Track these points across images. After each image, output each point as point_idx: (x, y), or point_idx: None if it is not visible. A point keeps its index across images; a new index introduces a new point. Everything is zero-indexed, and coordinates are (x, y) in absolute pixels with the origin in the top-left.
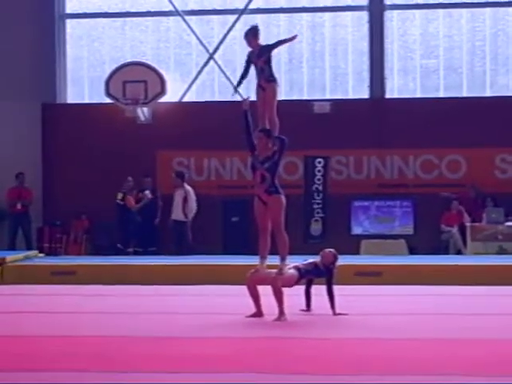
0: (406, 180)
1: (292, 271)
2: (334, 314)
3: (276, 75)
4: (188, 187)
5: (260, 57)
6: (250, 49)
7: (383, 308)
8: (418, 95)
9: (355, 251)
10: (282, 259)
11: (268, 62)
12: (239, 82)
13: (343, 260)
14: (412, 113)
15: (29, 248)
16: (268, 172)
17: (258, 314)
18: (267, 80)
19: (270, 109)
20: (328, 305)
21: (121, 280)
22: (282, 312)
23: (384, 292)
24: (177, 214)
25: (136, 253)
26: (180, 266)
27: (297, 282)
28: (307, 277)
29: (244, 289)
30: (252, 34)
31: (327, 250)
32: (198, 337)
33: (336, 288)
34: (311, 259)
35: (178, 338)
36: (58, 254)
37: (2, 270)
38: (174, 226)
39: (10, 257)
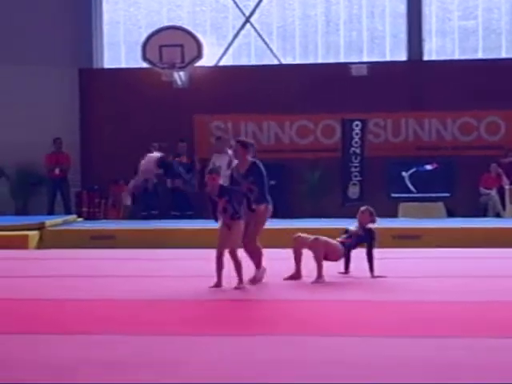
0: (444, 142)
1: (338, 244)
2: (373, 276)
3: (312, 39)
4: (231, 152)
5: (221, 197)
6: None
7: (421, 271)
8: (457, 57)
9: (393, 214)
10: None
11: (230, 201)
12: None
13: (381, 223)
14: (450, 75)
15: (67, 213)
16: (255, 184)
17: (297, 275)
18: (232, 218)
19: (232, 243)
20: (367, 267)
21: (160, 244)
22: (320, 275)
23: (422, 255)
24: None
25: (174, 216)
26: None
27: (342, 257)
28: (352, 249)
29: (281, 252)
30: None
31: (362, 208)
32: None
33: (374, 251)
34: (351, 227)
35: (218, 300)
36: (96, 218)
37: (41, 235)
38: None
39: (49, 221)
